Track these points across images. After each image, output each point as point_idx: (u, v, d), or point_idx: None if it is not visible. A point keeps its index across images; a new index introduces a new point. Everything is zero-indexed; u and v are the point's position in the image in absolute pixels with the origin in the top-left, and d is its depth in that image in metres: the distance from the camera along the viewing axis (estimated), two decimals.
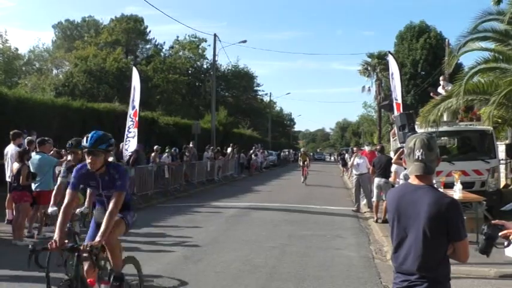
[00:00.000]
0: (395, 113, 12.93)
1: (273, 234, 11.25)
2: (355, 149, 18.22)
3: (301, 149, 31.16)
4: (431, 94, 15.27)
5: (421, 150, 3.03)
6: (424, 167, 3.03)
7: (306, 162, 27.43)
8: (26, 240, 9.63)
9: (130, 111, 16.88)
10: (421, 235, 2.97)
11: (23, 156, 9.84)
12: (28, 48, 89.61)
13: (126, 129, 16.55)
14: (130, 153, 16.45)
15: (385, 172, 13.30)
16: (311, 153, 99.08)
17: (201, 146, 28.21)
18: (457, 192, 10.15)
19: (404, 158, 3.21)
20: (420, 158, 3.03)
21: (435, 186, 3.24)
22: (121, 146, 16.54)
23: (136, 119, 16.45)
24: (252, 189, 23.55)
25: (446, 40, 30.04)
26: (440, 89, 15.65)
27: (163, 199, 18.19)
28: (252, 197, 19.60)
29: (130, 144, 16.52)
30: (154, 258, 8.60)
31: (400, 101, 13.03)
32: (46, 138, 10.92)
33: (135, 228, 11.78)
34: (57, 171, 12.20)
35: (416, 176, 3.07)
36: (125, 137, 16.57)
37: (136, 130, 16.37)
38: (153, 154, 19.12)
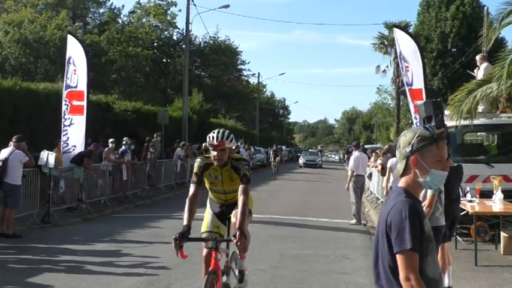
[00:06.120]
0: (409, 101, 12.98)
1: (260, 253, 11.23)
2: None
3: (207, 140, 6.37)
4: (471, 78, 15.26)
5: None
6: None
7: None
8: None
9: (64, 92, 17.04)
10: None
11: None
12: None
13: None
14: (73, 148, 16.44)
15: None
16: (305, 149, 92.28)
17: (169, 140, 28.09)
18: (497, 203, 10.29)
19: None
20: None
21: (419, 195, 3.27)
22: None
23: (83, 103, 16.53)
24: None
25: (485, 8, 30.25)
26: (479, 72, 15.70)
27: (120, 208, 18.17)
28: None
29: (70, 136, 16.55)
30: (109, 283, 8.58)
31: (421, 86, 13.06)
32: None
33: (85, 244, 11.77)
34: None
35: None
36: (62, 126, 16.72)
37: (74, 117, 16.47)
38: (106, 149, 18.85)
